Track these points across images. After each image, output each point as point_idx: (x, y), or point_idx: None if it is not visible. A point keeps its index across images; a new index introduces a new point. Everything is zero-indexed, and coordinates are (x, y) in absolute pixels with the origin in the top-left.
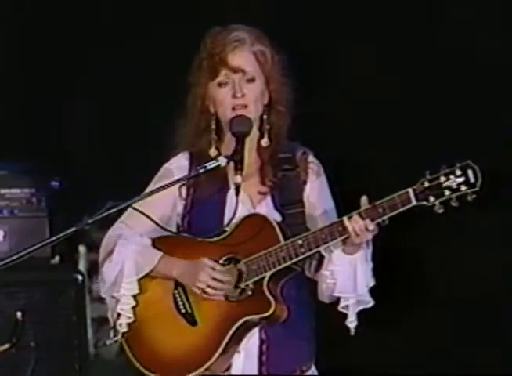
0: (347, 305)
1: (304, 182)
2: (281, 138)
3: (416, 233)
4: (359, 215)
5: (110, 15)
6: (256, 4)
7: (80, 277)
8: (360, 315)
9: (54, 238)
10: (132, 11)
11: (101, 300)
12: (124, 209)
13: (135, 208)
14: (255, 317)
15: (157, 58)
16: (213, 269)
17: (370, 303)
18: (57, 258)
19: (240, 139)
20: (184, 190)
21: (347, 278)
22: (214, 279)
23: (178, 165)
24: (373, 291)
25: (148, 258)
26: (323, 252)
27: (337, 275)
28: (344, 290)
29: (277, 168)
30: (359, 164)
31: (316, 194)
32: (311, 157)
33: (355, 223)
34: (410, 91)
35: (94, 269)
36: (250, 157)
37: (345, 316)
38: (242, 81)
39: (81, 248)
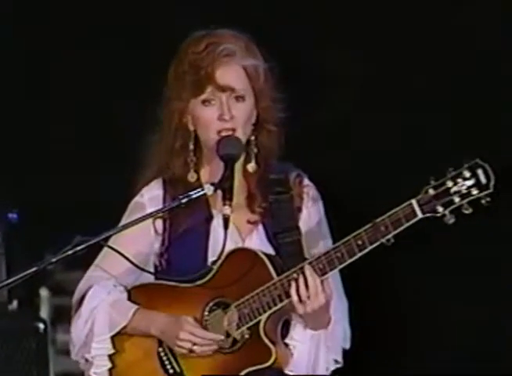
0: None
1: (299, 209)
2: (271, 160)
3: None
4: (311, 266)
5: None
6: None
7: (41, 326)
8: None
9: (11, 279)
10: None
11: (67, 353)
12: (94, 246)
13: (109, 246)
14: (255, 369)
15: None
16: (194, 326)
17: None
18: (15, 303)
19: (229, 163)
20: (160, 225)
21: (306, 356)
22: (197, 336)
23: (151, 196)
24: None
25: (121, 313)
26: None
27: (294, 350)
28: (298, 370)
29: (267, 192)
30: (354, 182)
31: (314, 223)
32: (306, 181)
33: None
34: (410, 91)
35: (58, 315)
36: (237, 181)
37: None
38: (230, 101)
39: (43, 292)
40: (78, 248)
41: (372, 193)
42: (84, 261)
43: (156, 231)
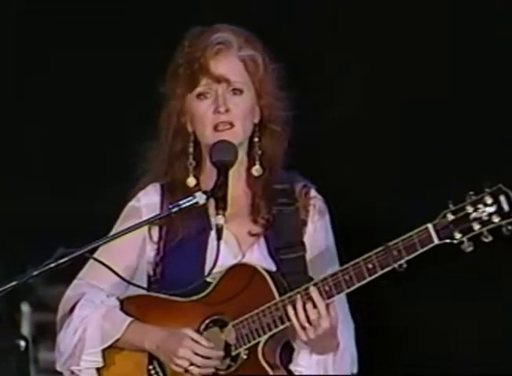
0: None
1: (305, 223)
2: (276, 165)
3: None
4: (317, 287)
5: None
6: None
7: (23, 343)
8: None
9: None
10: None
11: (50, 372)
12: (79, 258)
13: (94, 258)
14: None
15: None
16: (197, 342)
17: None
18: None
19: (223, 170)
20: (155, 232)
21: None
22: (198, 354)
23: (148, 202)
24: None
25: (114, 324)
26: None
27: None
28: None
29: (272, 203)
30: (364, 196)
31: (319, 239)
32: (313, 192)
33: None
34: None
35: (40, 332)
36: (237, 188)
37: None
38: (226, 93)
39: (25, 307)
40: (61, 261)
41: (384, 210)
42: (68, 274)
43: (151, 239)
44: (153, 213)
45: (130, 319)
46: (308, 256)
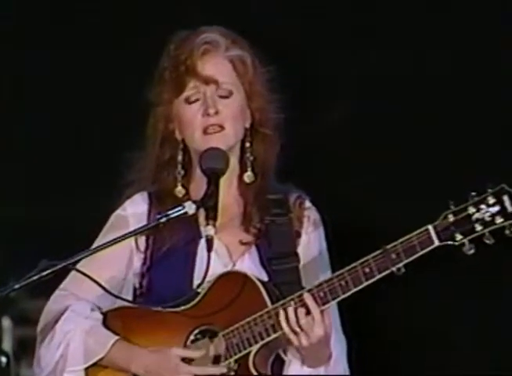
0: None
1: (299, 234)
2: (269, 171)
3: None
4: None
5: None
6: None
7: (3, 359)
8: None
9: None
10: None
11: None
12: (63, 270)
13: (78, 270)
14: None
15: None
16: (187, 361)
17: None
18: None
19: (213, 178)
20: (142, 241)
21: None
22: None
23: (135, 211)
24: None
25: (99, 341)
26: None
27: None
28: None
29: (265, 212)
30: (359, 202)
31: (313, 251)
32: (307, 203)
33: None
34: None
35: (22, 348)
36: (228, 196)
37: None
38: (216, 95)
39: (6, 322)
40: (44, 273)
41: (381, 218)
42: (52, 287)
43: (137, 248)
44: (140, 222)
45: (115, 337)
46: (302, 267)
